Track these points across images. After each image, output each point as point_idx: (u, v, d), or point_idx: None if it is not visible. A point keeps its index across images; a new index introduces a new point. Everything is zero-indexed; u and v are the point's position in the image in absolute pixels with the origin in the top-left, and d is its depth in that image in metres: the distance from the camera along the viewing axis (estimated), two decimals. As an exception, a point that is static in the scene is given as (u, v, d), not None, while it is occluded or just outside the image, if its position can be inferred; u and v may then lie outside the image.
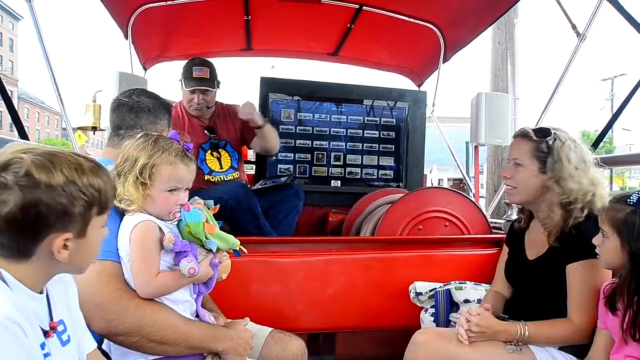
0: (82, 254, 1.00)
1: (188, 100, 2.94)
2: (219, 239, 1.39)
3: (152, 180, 1.36)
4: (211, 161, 3.00)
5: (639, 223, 1.38)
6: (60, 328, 1.03)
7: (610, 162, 2.17)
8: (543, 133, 1.81)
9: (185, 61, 3.04)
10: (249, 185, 3.12)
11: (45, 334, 0.97)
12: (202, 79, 2.88)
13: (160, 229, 1.35)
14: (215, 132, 3.03)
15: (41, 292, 1.00)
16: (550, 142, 1.77)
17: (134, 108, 1.73)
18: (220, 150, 3.02)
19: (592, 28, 2.47)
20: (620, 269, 1.47)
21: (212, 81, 2.93)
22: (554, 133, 1.78)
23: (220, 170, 3.01)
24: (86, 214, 0.96)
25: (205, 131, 3.01)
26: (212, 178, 2.99)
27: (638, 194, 1.42)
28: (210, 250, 1.39)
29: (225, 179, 3.01)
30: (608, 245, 1.47)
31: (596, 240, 1.52)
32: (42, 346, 0.95)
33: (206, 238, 1.36)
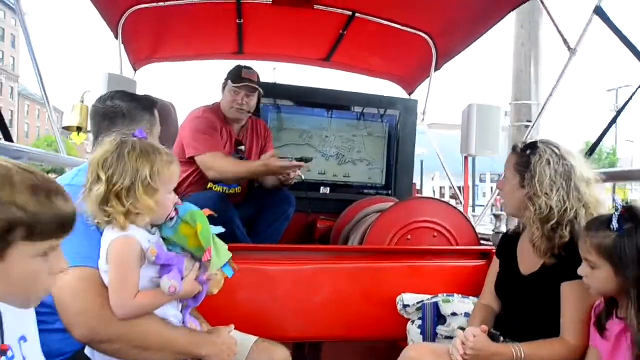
0: (3, 281, 0.88)
1: (231, 100, 2.90)
2: (213, 244, 1.35)
3: (159, 186, 1.31)
4: None
5: (629, 247, 1.34)
6: (9, 354, 0.95)
7: (610, 177, 2.15)
8: (528, 147, 1.80)
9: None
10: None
11: None
12: (250, 80, 2.89)
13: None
14: (243, 149, 3.02)
15: None
16: (531, 157, 1.75)
17: (108, 114, 1.65)
18: None
19: (584, 43, 2.48)
20: (616, 295, 1.43)
21: (257, 86, 2.93)
22: (538, 148, 1.76)
23: (226, 182, 2.96)
24: (5, 235, 0.84)
25: (235, 144, 2.99)
26: (215, 187, 2.93)
27: (616, 218, 1.38)
28: (201, 261, 1.34)
29: (228, 192, 2.97)
30: (599, 275, 1.42)
31: (582, 271, 1.48)
32: None
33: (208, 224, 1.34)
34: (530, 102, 5.25)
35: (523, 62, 5.79)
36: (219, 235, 1.40)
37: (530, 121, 5.09)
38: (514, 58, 5.93)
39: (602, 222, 1.42)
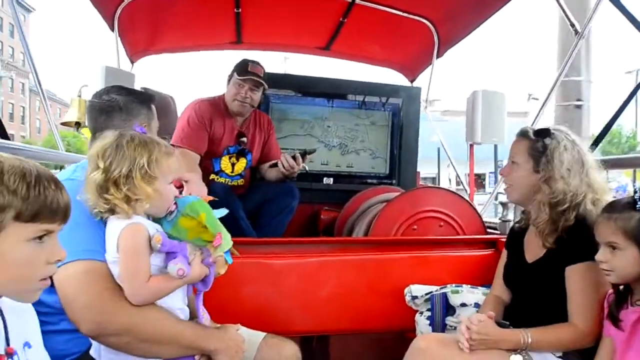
0: None
1: (234, 93, 2.83)
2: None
3: (157, 175, 1.33)
4: (225, 163, 2.95)
5: None
6: (15, 358, 0.95)
7: (615, 164, 2.12)
8: (541, 133, 1.80)
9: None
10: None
11: None
12: (256, 74, 2.82)
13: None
14: (245, 140, 2.98)
15: None
16: (547, 142, 1.76)
17: (105, 109, 1.64)
18: (240, 158, 2.97)
19: (592, 27, 2.43)
20: (637, 280, 1.41)
21: (262, 81, 2.86)
22: (553, 133, 1.77)
23: (230, 174, 2.97)
24: None
25: (237, 136, 2.96)
26: (218, 178, 2.92)
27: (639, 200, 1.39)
28: (205, 247, 1.34)
29: (231, 183, 2.97)
30: (625, 257, 1.39)
31: (601, 257, 1.45)
32: None
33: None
34: (580, 78, 4.74)
35: (571, 35, 5.21)
36: (223, 223, 1.39)
37: (580, 100, 4.63)
38: (559, 29, 5.25)
39: (625, 204, 1.42)
